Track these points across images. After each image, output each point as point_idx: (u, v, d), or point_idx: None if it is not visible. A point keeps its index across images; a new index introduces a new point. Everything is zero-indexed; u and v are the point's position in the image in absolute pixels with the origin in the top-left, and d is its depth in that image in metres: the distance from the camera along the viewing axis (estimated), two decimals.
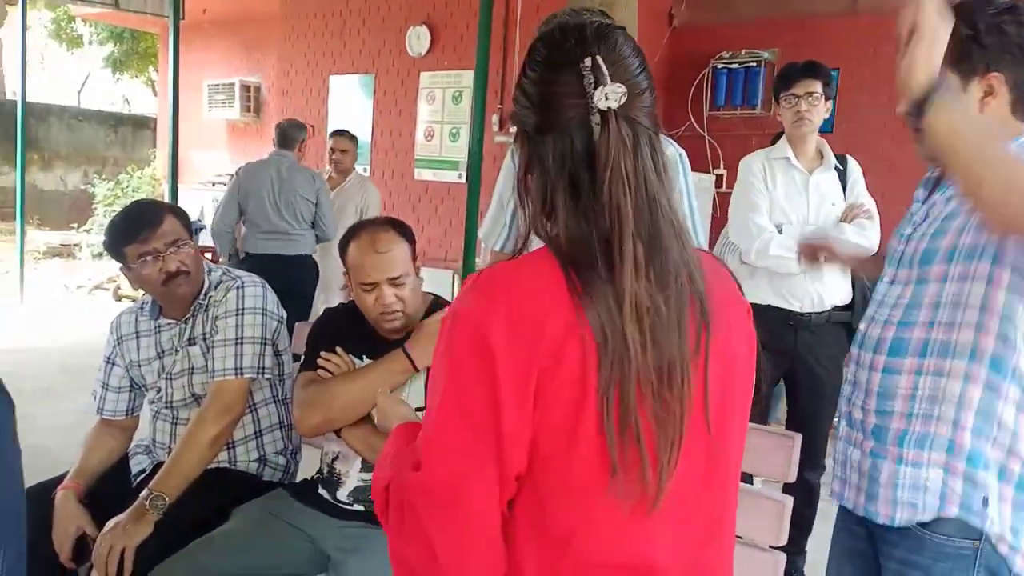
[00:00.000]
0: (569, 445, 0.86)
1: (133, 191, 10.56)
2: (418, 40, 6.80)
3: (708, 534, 0.95)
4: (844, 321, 2.85)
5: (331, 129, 6.49)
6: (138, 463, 2.15)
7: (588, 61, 0.88)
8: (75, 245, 10.57)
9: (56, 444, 2.15)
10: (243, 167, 4.80)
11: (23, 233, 8.16)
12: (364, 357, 1.93)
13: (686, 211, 2.00)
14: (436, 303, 1.98)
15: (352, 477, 1.91)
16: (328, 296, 4.95)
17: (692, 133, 6.09)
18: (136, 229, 1.97)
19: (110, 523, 1.80)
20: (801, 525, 2.96)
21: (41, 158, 12.24)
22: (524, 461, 0.86)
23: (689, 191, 2.03)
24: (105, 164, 12.79)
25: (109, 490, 2.01)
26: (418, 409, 1.88)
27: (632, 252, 0.86)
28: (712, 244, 5.31)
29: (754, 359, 1.00)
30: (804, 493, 2.94)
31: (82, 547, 1.88)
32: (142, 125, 13.55)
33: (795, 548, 2.96)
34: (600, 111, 0.88)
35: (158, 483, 1.85)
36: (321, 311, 2.29)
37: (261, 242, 4.66)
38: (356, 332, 1.94)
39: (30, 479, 1.95)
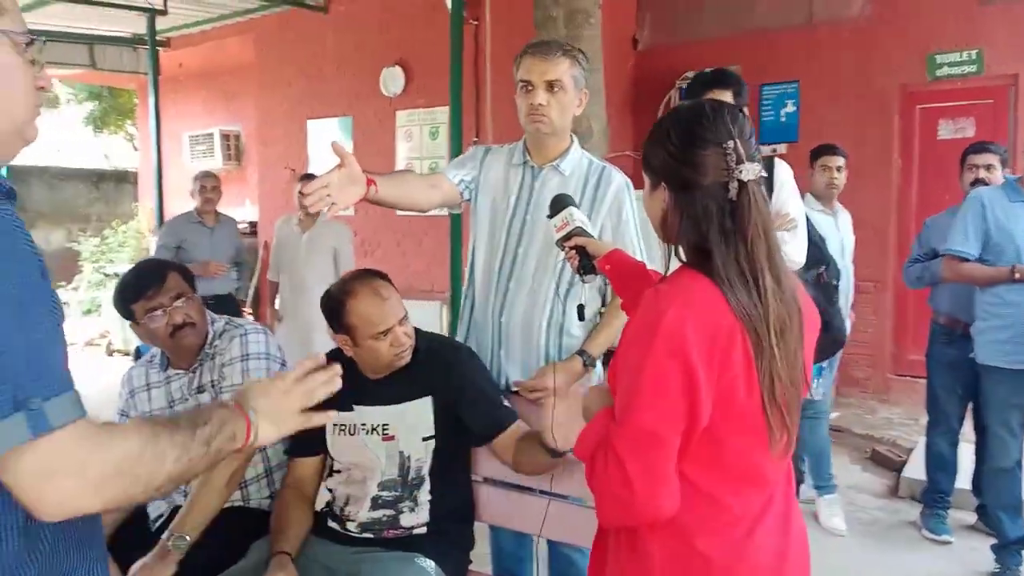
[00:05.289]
0: (738, 404, 1.20)
1: (120, 246, 10.64)
2: (393, 80, 6.98)
3: (786, 449, 1.29)
4: None
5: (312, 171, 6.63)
6: (156, 508, 2.25)
7: (730, 144, 1.20)
8: (64, 303, 10.57)
9: None
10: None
11: None
12: (355, 406, 2.02)
13: (632, 237, 2.07)
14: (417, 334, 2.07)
15: (362, 515, 2.01)
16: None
17: None
18: (143, 287, 2.09)
19: (136, 565, 1.89)
20: None
21: (23, 218, 12.25)
22: (707, 419, 1.18)
23: (635, 218, 2.06)
24: (88, 220, 12.81)
25: (130, 536, 2.10)
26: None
27: (772, 283, 1.20)
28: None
29: (815, 339, 1.34)
30: None
31: None
32: (123, 179, 13.59)
33: None
34: (740, 181, 1.19)
35: (179, 524, 1.95)
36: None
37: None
38: (350, 382, 2.05)
39: None
